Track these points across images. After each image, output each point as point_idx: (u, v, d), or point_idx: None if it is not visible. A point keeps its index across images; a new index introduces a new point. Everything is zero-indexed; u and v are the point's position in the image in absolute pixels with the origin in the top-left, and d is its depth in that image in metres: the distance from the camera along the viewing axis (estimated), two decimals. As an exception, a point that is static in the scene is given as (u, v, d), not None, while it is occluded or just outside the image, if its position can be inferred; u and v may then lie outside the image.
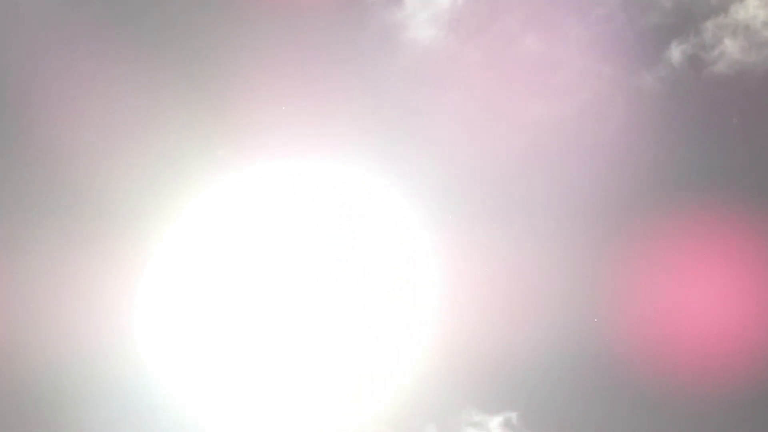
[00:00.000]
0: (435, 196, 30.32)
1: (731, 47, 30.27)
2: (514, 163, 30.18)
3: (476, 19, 31.13)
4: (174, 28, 31.71)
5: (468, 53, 31.01)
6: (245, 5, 31.67)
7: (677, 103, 30.05)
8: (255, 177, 31.14)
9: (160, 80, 31.03)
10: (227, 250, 30.99)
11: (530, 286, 30.00)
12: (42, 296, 30.03)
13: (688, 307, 30.02)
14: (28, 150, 31.02)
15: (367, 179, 30.83)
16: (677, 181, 30.06)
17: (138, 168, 30.86)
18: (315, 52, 31.09)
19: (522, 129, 30.15)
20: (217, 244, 31.03)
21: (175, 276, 30.84)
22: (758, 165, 30.09)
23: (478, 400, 29.92)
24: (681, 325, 29.95)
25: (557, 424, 29.88)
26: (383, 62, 30.92)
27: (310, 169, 30.97)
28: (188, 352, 30.59)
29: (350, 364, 30.37)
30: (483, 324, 30.01)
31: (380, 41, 31.29)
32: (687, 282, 30.02)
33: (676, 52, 30.27)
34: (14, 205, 30.90)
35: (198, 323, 30.67)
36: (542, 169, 30.19)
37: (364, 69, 30.86)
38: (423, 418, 30.06)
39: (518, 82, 30.39)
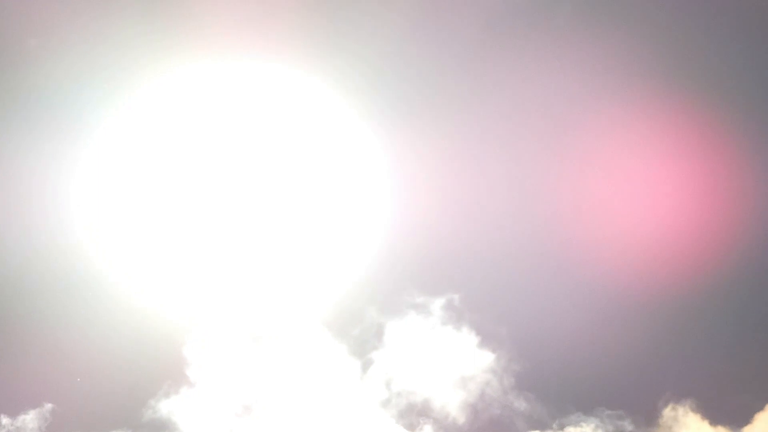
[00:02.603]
0: (381, 84, 31.28)
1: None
2: (460, 54, 31.36)
3: None
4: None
5: None
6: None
7: None
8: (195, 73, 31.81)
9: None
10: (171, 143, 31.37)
11: (473, 174, 30.71)
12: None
13: (622, 199, 30.72)
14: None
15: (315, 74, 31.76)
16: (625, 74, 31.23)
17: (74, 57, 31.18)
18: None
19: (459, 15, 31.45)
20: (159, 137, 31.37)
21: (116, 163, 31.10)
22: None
23: (421, 282, 30.05)
24: (614, 217, 30.56)
25: (499, 306, 29.95)
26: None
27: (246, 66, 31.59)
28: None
29: (293, 247, 30.60)
30: (426, 209, 30.51)
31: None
32: (619, 175, 30.82)
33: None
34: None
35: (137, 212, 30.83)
36: (487, 69, 31.35)
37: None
38: (364, 300, 30.08)
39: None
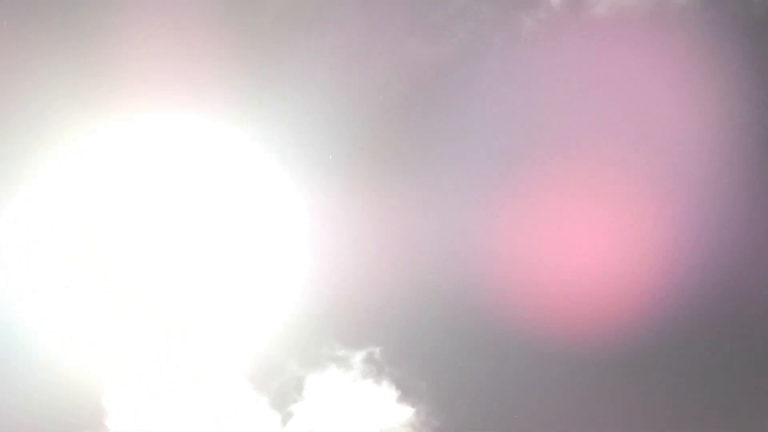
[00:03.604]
0: (297, 135, 30.92)
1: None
2: (380, 101, 30.99)
3: None
4: None
5: None
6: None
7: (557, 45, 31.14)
8: (131, 127, 31.47)
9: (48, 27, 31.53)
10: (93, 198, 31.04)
11: (395, 224, 30.45)
12: None
13: (549, 249, 30.59)
14: None
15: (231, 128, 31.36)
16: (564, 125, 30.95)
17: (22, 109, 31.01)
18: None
19: (398, 64, 31.06)
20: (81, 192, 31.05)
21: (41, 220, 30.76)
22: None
23: (341, 335, 29.94)
24: (543, 266, 30.44)
25: (419, 360, 29.92)
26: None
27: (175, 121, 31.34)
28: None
29: (213, 301, 30.36)
30: (347, 261, 30.30)
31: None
32: (555, 223, 30.64)
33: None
34: None
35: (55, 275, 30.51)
36: (419, 107, 31.02)
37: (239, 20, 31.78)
38: (285, 353, 29.95)
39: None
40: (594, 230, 30.54)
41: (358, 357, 29.85)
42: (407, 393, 29.69)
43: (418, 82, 31.25)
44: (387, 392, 29.71)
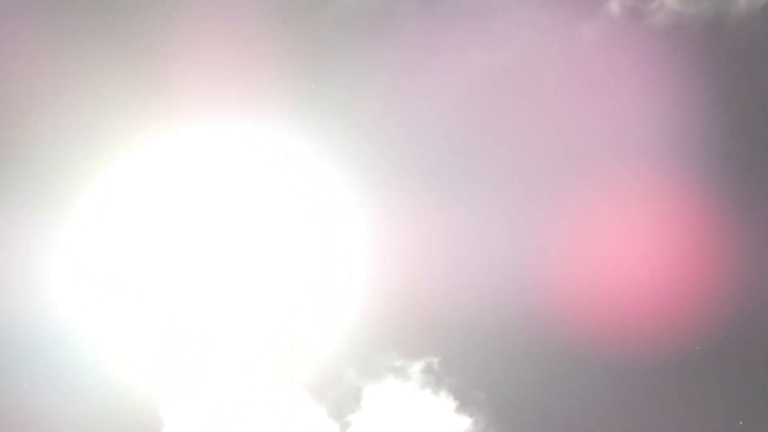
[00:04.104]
0: (357, 147, 30.96)
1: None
2: (435, 118, 31.04)
3: None
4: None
5: None
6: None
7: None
8: (182, 139, 31.55)
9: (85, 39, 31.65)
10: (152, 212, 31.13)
11: (455, 233, 30.43)
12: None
13: (608, 260, 30.49)
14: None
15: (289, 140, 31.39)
16: (606, 138, 30.94)
17: (63, 125, 31.12)
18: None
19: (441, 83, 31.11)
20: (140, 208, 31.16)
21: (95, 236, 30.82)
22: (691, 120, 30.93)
23: (400, 345, 29.88)
24: (600, 277, 30.34)
25: (478, 370, 29.82)
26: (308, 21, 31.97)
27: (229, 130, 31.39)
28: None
29: (273, 310, 30.34)
30: (406, 270, 30.25)
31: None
32: (611, 235, 30.58)
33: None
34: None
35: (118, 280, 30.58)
36: (462, 121, 31.04)
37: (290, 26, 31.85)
38: (343, 363, 29.90)
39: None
40: (654, 240, 30.50)
41: (416, 367, 29.80)
42: (465, 403, 29.61)
43: (475, 90, 31.29)
44: (445, 402, 29.65)
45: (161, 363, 29.91)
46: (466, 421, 29.52)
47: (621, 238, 30.45)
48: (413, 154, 30.94)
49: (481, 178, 30.74)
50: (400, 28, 31.54)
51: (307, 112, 31.42)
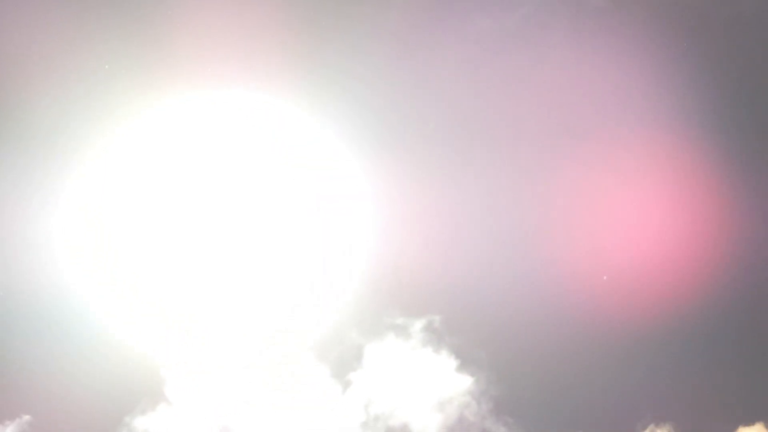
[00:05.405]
0: (358, 113, 30.94)
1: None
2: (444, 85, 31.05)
3: None
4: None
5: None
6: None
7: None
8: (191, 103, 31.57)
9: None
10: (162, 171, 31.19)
11: (457, 195, 30.46)
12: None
13: (607, 226, 30.49)
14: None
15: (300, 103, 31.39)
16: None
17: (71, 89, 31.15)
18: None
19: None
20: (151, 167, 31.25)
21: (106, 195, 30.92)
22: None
23: (401, 303, 29.85)
24: (600, 240, 30.35)
25: (479, 329, 29.78)
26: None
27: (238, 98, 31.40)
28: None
29: (275, 272, 30.35)
30: (408, 230, 30.29)
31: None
32: (610, 200, 30.58)
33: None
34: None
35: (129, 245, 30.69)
36: (465, 92, 31.06)
37: None
38: (344, 322, 29.88)
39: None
40: (659, 217, 30.51)
41: (417, 325, 29.75)
42: (467, 362, 29.56)
43: (479, 61, 31.32)
44: (446, 361, 29.60)
45: (164, 322, 29.98)
46: (467, 380, 29.47)
47: (619, 206, 30.44)
48: (415, 123, 30.95)
49: (484, 145, 30.76)
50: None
51: (311, 83, 31.35)
